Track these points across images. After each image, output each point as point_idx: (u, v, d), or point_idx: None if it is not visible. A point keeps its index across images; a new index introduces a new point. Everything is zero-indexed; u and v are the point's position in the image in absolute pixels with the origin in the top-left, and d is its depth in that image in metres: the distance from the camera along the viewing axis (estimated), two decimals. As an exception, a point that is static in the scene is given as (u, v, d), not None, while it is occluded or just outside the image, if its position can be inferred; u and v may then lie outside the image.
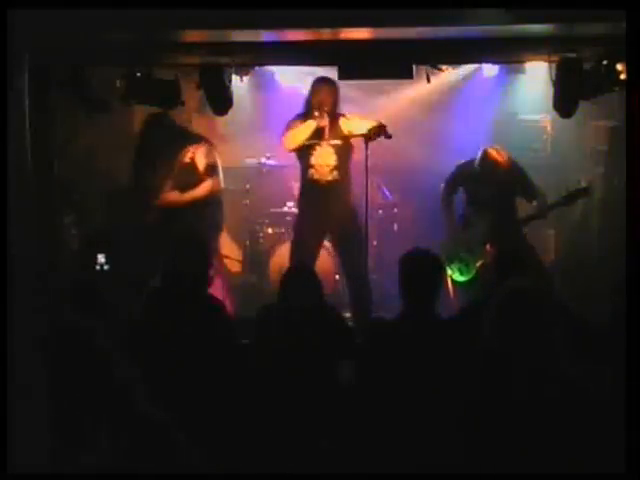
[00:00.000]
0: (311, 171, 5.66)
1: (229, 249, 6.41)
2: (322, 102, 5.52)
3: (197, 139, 5.79)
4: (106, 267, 5.47)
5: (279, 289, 4.14)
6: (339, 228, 5.72)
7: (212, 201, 5.82)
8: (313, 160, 5.64)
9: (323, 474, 3.49)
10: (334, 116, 5.58)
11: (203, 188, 5.76)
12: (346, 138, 5.56)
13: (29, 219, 4.76)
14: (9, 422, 2.54)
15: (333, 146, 5.61)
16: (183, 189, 5.69)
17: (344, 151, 5.62)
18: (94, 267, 5.47)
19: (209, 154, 5.74)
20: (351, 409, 3.67)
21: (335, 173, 5.62)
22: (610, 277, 5.57)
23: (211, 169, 5.75)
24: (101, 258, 5.52)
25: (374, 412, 3.51)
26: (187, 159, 5.64)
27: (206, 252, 4.10)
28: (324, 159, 5.63)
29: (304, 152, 5.64)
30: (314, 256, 5.72)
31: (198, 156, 5.68)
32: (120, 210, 6.18)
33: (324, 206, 5.63)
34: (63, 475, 2.53)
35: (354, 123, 5.59)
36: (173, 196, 5.69)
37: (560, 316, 3.12)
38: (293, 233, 5.95)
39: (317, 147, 5.61)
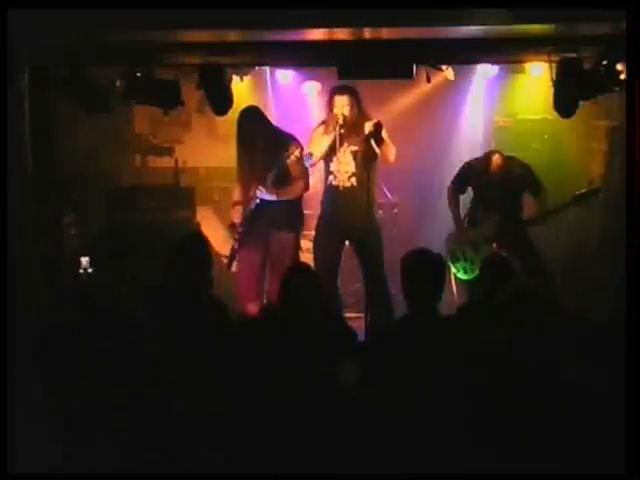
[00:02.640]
0: (330, 177, 5.68)
1: (228, 249, 6.39)
2: (340, 113, 5.47)
3: (291, 139, 5.70)
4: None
5: (278, 289, 4.13)
6: (358, 232, 5.66)
7: (294, 200, 5.78)
8: (332, 167, 5.64)
9: (323, 474, 3.48)
10: (357, 122, 5.50)
11: (297, 188, 5.72)
12: (369, 145, 5.48)
13: (29, 219, 4.79)
14: (9, 422, 2.54)
15: (353, 152, 5.57)
16: (280, 187, 5.64)
17: (365, 158, 5.55)
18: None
19: (302, 156, 5.66)
20: (354, 409, 3.67)
21: (354, 179, 5.59)
22: (610, 277, 5.57)
23: (304, 170, 5.70)
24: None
25: (378, 412, 3.51)
26: (288, 158, 5.56)
27: (209, 252, 4.10)
28: (343, 166, 5.60)
29: (325, 158, 5.66)
30: (335, 259, 5.76)
31: (295, 156, 5.60)
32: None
33: (343, 211, 5.60)
34: (63, 475, 2.53)
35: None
36: (271, 192, 5.64)
37: (562, 316, 3.12)
38: (314, 237, 5.93)
39: (337, 153, 5.57)
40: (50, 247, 5.19)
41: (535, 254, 5.69)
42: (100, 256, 4.35)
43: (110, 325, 3.17)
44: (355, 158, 5.57)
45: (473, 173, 5.90)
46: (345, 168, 5.61)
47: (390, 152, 5.53)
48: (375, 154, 5.53)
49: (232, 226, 5.79)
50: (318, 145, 5.62)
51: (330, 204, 5.75)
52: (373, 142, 5.43)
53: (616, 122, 6.25)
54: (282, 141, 5.65)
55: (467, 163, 5.98)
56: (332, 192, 5.70)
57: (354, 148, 5.57)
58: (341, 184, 5.62)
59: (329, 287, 5.56)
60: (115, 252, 4.15)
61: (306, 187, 5.79)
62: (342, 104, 5.48)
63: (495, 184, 5.75)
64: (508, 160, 5.84)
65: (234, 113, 5.66)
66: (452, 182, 6.00)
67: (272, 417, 3.52)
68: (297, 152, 5.58)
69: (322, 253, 5.77)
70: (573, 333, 3.15)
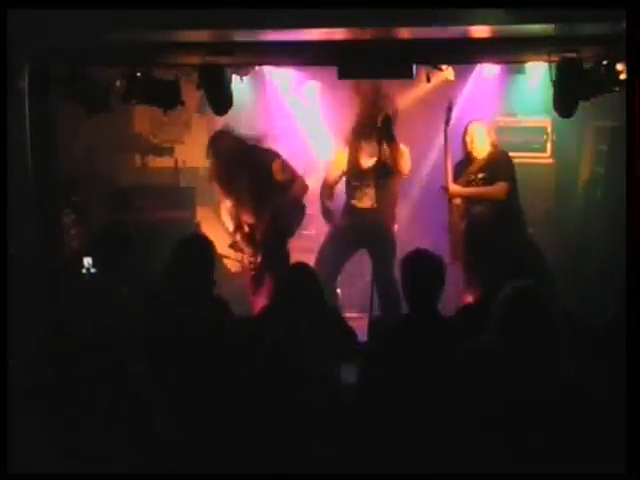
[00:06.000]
0: (350, 199, 5.97)
1: (229, 249, 6.40)
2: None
3: (269, 152, 5.81)
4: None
5: (279, 289, 4.14)
6: (375, 243, 5.90)
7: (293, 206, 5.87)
8: (356, 195, 5.94)
9: (323, 474, 3.49)
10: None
11: (292, 193, 5.80)
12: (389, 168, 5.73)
13: (29, 219, 4.79)
14: (9, 422, 2.54)
15: (375, 183, 5.85)
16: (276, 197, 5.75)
17: (385, 179, 5.78)
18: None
19: (284, 164, 5.77)
20: (356, 410, 3.67)
21: (372, 200, 5.86)
22: (610, 277, 5.57)
23: (291, 177, 5.79)
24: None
25: (379, 412, 3.51)
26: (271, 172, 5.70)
27: (214, 253, 4.10)
28: (367, 196, 5.90)
29: (349, 188, 5.98)
30: (341, 264, 6.03)
31: (278, 167, 5.73)
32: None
33: (362, 228, 5.88)
34: (63, 475, 2.54)
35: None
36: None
37: (562, 316, 3.12)
38: (325, 241, 6.07)
39: (362, 186, 5.91)
40: (50, 247, 5.18)
41: (534, 253, 5.67)
42: (100, 256, 4.35)
43: (110, 325, 3.17)
44: (377, 188, 5.82)
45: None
46: (367, 197, 5.89)
47: (402, 158, 5.77)
48: (391, 171, 5.76)
49: (236, 245, 5.91)
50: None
51: (350, 223, 5.94)
52: (384, 140, 5.62)
53: (616, 122, 6.25)
54: (260, 156, 5.74)
55: None
56: (350, 210, 5.97)
57: (377, 181, 5.82)
58: (362, 207, 5.91)
59: (328, 287, 5.61)
60: (115, 252, 4.15)
61: (303, 190, 5.86)
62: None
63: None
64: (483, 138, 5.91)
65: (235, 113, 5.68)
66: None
67: (273, 416, 3.52)
68: (279, 163, 5.69)
69: (330, 257, 5.92)
70: (573, 333, 3.15)
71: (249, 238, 5.85)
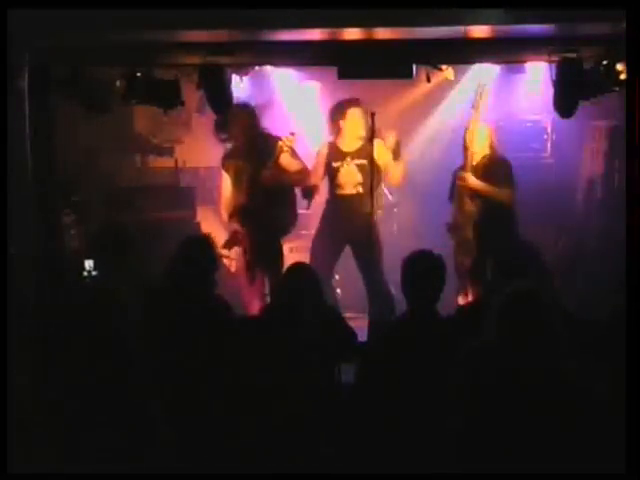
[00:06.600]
0: (336, 188, 6.00)
1: (225, 247, 6.39)
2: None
3: (277, 138, 5.78)
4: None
5: (279, 289, 4.14)
6: (358, 238, 5.92)
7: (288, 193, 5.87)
8: (339, 178, 5.97)
9: (323, 474, 3.49)
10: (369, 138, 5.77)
11: (296, 179, 5.82)
12: (372, 159, 5.72)
13: (29, 219, 4.79)
14: (9, 422, 2.54)
15: (358, 165, 5.90)
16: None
17: (369, 169, 5.76)
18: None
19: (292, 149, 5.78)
20: (355, 409, 3.67)
21: (358, 189, 5.92)
22: (610, 276, 5.57)
23: (299, 162, 5.82)
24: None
25: (378, 412, 3.51)
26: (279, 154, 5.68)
27: (212, 253, 4.10)
28: (350, 177, 5.94)
29: (331, 172, 5.99)
30: (333, 261, 6.07)
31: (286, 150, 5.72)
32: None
33: (346, 220, 5.95)
34: (63, 475, 2.54)
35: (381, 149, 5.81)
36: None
37: (561, 316, 3.12)
38: (313, 241, 6.12)
39: (344, 166, 5.95)
40: (50, 247, 5.18)
41: (532, 253, 5.67)
42: (100, 256, 4.35)
43: (110, 325, 3.17)
44: (360, 170, 5.87)
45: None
46: (351, 179, 5.92)
47: (400, 171, 5.87)
48: (377, 167, 5.77)
49: (235, 234, 5.86)
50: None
51: (335, 212, 6.02)
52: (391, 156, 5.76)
53: (616, 122, 6.26)
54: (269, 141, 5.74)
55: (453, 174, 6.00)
56: (337, 201, 6.01)
57: (359, 162, 5.87)
58: (346, 194, 5.95)
59: (325, 285, 5.62)
60: (115, 252, 4.16)
61: (306, 175, 5.84)
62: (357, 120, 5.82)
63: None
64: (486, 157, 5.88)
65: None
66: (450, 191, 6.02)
67: (273, 416, 3.52)
68: (286, 146, 5.67)
69: (322, 254, 5.94)
70: (573, 332, 3.15)
71: (242, 221, 5.80)
